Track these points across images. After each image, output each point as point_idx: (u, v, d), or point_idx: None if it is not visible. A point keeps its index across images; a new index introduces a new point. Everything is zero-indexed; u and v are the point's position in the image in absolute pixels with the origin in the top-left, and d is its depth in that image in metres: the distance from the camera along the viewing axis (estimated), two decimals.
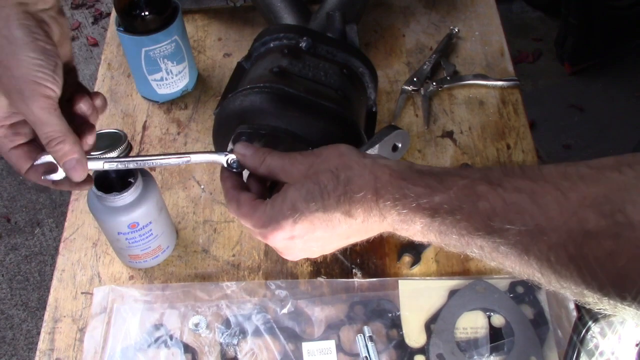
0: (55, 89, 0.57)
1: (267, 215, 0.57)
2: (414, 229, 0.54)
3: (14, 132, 0.60)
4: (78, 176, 0.59)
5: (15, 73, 0.55)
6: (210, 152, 0.64)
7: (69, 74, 0.63)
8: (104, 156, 0.66)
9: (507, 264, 0.51)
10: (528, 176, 0.50)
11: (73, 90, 0.62)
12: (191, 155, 0.62)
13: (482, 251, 0.51)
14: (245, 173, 0.67)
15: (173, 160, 0.63)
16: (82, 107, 0.61)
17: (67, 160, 0.58)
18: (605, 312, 0.54)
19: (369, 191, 0.54)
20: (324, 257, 0.81)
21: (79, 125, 0.61)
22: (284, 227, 0.56)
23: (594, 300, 0.48)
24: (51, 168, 0.59)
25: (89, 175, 0.61)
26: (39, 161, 0.59)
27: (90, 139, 0.62)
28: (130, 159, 0.62)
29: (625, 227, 0.44)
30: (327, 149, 0.59)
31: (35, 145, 0.61)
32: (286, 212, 0.56)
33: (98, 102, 0.63)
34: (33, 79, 0.55)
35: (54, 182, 0.61)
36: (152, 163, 0.63)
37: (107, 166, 0.61)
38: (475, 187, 0.51)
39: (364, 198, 0.54)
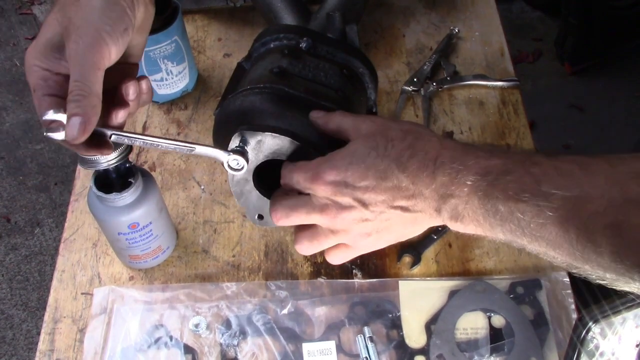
0: (113, 52, 0.57)
1: (325, 157, 0.60)
2: (460, 191, 0.55)
3: (55, 81, 0.59)
4: (72, 134, 0.56)
5: (88, 17, 0.56)
6: (215, 148, 0.64)
7: (130, 67, 0.63)
8: (105, 156, 0.66)
9: (544, 237, 0.51)
10: (585, 154, 0.52)
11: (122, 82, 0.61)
12: (196, 146, 0.63)
13: (523, 217, 0.52)
14: (243, 172, 0.67)
15: (178, 147, 0.63)
16: (129, 89, 0.60)
17: (75, 118, 0.56)
18: (612, 311, 0.55)
19: (430, 152, 0.57)
20: (325, 258, 0.81)
21: (117, 103, 0.61)
22: (337, 167, 0.58)
23: (626, 283, 0.49)
24: (55, 126, 0.58)
25: (106, 143, 0.60)
26: (47, 116, 0.57)
27: (121, 117, 0.61)
28: (138, 136, 0.62)
29: None
30: (405, 120, 0.62)
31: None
32: (345, 155, 0.59)
33: (144, 85, 0.62)
34: (98, 32, 0.56)
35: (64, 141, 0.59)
36: (158, 145, 0.62)
37: (115, 138, 0.61)
38: (532, 156, 0.54)
39: (424, 157, 0.56)
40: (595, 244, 0.48)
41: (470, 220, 0.56)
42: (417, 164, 0.56)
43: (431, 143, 0.58)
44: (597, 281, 0.51)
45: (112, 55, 0.57)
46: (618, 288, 0.50)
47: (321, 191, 0.59)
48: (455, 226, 0.58)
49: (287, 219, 0.64)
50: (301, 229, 0.65)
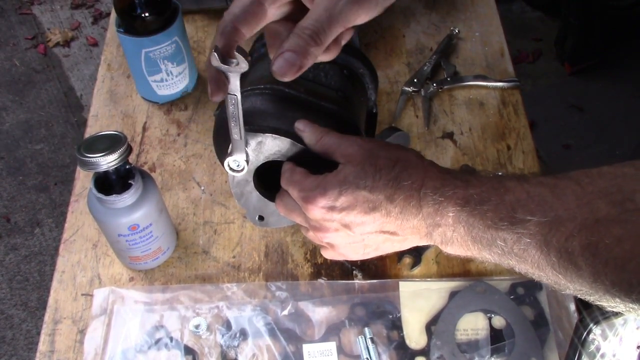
0: (372, 13, 0.56)
1: (317, 182, 0.60)
2: (446, 221, 0.56)
3: None
4: (280, 67, 0.55)
5: None
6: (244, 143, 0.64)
7: None
8: (105, 158, 0.66)
9: (527, 260, 0.53)
10: (554, 175, 0.53)
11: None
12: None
13: (505, 245, 0.53)
14: (243, 173, 0.67)
15: (241, 134, 0.62)
16: (346, 36, 0.60)
17: (291, 54, 0.55)
18: (613, 312, 0.55)
19: (416, 181, 0.57)
20: (325, 258, 0.81)
21: None
22: (328, 195, 0.59)
23: (608, 301, 0.49)
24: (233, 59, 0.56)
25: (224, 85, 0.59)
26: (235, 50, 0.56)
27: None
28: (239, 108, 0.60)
29: (632, 213, 0.47)
30: (392, 143, 0.63)
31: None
32: (335, 183, 0.59)
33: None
34: None
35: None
36: (236, 124, 0.61)
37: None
38: (504, 183, 0.55)
39: (410, 187, 0.57)
40: (576, 266, 0.49)
41: (459, 245, 0.57)
42: (404, 195, 0.57)
43: (417, 171, 0.58)
44: (586, 297, 0.52)
45: (371, 13, 0.56)
46: (606, 305, 0.50)
47: (311, 215, 0.61)
48: (447, 249, 0.59)
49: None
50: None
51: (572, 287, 0.51)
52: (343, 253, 0.66)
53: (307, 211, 0.61)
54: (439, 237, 0.58)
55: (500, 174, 0.89)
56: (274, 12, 0.58)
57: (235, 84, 0.58)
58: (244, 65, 0.56)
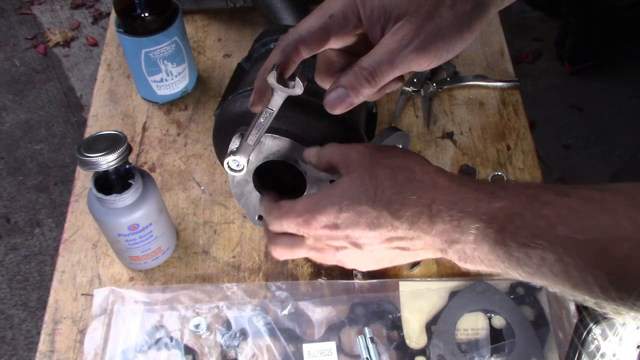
0: (438, 61, 0.56)
1: (312, 200, 0.57)
2: (466, 239, 0.51)
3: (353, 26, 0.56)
4: (330, 102, 0.56)
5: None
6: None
7: None
8: (105, 157, 0.66)
9: (568, 281, 0.48)
10: (596, 187, 0.48)
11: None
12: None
13: (542, 264, 0.48)
14: (243, 173, 0.67)
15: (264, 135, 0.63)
16: (394, 86, 0.59)
17: (342, 90, 0.55)
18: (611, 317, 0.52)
19: (424, 196, 0.53)
20: None
21: None
22: (328, 212, 0.55)
23: None
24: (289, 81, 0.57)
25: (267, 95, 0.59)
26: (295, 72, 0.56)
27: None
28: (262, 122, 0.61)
29: None
30: (394, 147, 0.59)
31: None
32: (333, 199, 0.55)
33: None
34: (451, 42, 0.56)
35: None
36: (261, 136, 0.62)
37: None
38: (539, 195, 0.49)
39: (418, 202, 0.53)
40: (630, 292, 0.44)
41: (480, 262, 0.52)
42: (412, 211, 0.53)
43: (423, 184, 0.54)
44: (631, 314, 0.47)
45: (431, 65, 0.55)
46: None
47: (315, 237, 0.58)
48: (465, 265, 0.54)
49: (289, 256, 0.63)
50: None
51: (626, 309, 0.46)
52: (356, 267, 0.62)
53: (310, 235, 0.57)
54: (455, 254, 0.53)
55: (498, 173, 0.89)
56: (335, 41, 0.58)
57: (278, 102, 0.59)
58: (298, 90, 0.57)
